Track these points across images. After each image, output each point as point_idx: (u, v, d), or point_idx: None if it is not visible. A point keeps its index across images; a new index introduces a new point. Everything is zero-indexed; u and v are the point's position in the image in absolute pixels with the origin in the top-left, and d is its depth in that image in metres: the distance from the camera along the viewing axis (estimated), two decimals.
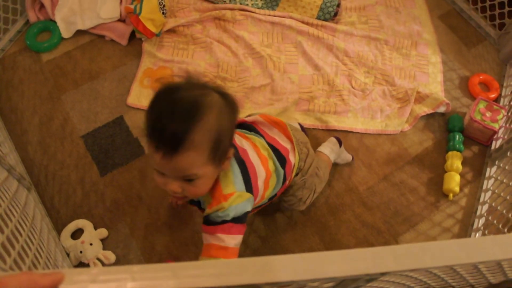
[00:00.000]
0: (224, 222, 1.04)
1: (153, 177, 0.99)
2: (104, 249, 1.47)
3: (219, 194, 1.03)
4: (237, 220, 1.05)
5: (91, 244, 1.45)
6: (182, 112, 0.88)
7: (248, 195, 1.08)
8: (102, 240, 1.49)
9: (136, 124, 1.72)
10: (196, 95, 0.91)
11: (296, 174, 1.32)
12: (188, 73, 1.00)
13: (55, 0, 1.88)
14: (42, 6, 1.92)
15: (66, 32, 1.90)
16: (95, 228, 1.50)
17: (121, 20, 1.94)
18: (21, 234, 1.11)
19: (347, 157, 1.65)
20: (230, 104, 0.96)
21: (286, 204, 1.39)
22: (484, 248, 0.51)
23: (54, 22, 1.90)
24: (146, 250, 1.48)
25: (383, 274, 0.49)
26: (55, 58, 1.87)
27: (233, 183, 1.05)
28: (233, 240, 1.04)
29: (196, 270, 0.47)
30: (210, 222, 1.04)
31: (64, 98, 1.77)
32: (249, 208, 1.09)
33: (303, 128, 1.67)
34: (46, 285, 0.49)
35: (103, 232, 1.49)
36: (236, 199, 1.04)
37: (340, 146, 1.61)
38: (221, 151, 0.96)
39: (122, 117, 1.73)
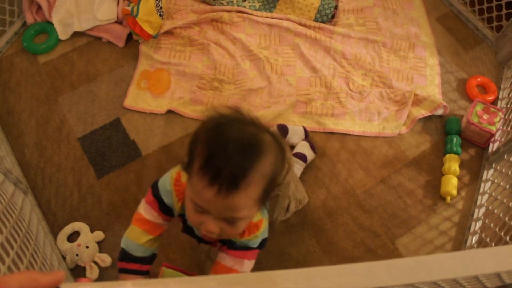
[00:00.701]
0: (251, 248, 1.04)
1: (188, 212, 0.93)
2: (100, 251, 1.47)
3: (251, 223, 1.01)
4: (261, 246, 1.06)
5: (87, 247, 1.44)
6: (244, 149, 0.83)
7: (267, 218, 1.08)
8: (99, 243, 1.48)
9: (133, 126, 1.71)
10: (253, 133, 0.87)
11: None
12: (237, 107, 0.94)
13: (52, 2, 1.87)
14: (39, 8, 1.91)
15: (63, 34, 1.90)
16: (92, 231, 1.50)
17: (118, 22, 1.93)
18: (16, 240, 1.11)
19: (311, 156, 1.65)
20: (280, 145, 0.92)
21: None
22: (481, 261, 0.51)
23: (51, 24, 1.89)
24: None
25: None
26: (52, 60, 1.86)
27: (261, 210, 1.04)
28: (252, 265, 1.05)
29: (190, 285, 0.47)
30: (237, 247, 1.02)
31: (61, 100, 1.77)
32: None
33: (306, 131, 1.67)
34: (47, 284, 0.49)
35: (99, 234, 1.49)
36: (264, 225, 1.04)
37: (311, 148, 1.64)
38: (270, 193, 0.92)
39: (119, 119, 1.73)
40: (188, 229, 1.12)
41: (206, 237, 0.95)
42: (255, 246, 1.04)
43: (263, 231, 1.04)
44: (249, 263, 1.04)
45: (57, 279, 0.49)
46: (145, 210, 1.08)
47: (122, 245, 1.06)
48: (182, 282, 0.47)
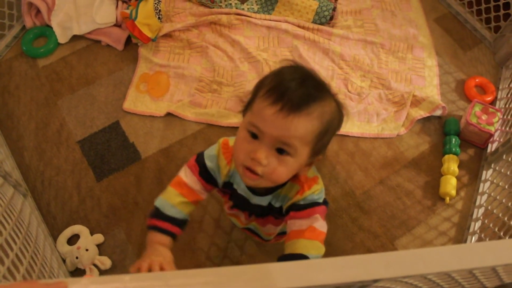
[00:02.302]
0: (319, 204, 1.02)
1: (238, 142, 0.93)
2: (100, 254, 1.47)
3: (306, 178, 1.02)
4: (326, 203, 1.05)
5: (87, 250, 1.44)
6: (312, 83, 0.89)
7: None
8: (98, 246, 1.48)
9: (132, 129, 1.71)
10: (322, 79, 0.93)
11: None
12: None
13: (51, 6, 1.88)
14: (38, 11, 1.92)
15: (62, 38, 1.90)
16: (91, 234, 1.50)
17: (117, 25, 1.94)
18: (15, 242, 1.11)
19: None
20: (340, 106, 0.95)
21: None
22: (477, 254, 0.51)
23: (50, 27, 1.90)
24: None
25: (375, 281, 0.49)
26: (51, 63, 1.87)
27: (313, 169, 1.05)
28: (325, 225, 1.03)
29: (187, 278, 0.47)
30: (303, 206, 1.01)
31: (60, 103, 1.77)
32: None
33: None
34: None
35: (99, 237, 1.49)
36: (321, 182, 1.05)
37: None
38: (323, 143, 0.94)
39: (118, 122, 1.73)
40: (235, 198, 1.11)
41: (250, 178, 0.92)
42: (321, 200, 1.03)
43: (322, 187, 1.04)
44: (322, 220, 1.02)
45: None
46: (185, 173, 1.07)
47: (156, 203, 1.05)
48: (180, 275, 0.47)
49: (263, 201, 1.07)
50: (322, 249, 1.02)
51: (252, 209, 1.12)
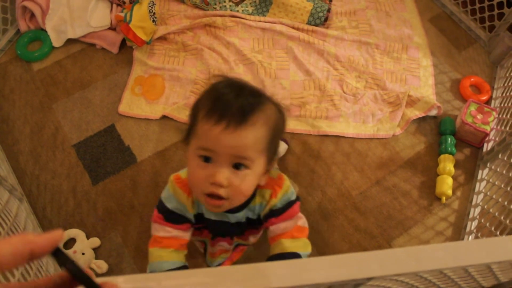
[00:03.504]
0: (293, 202, 1.03)
1: (192, 172, 0.91)
2: (96, 258, 1.47)
3: (273, 180, 1.02)
4: (298, 197, 1.06)
5: (83, 254, 1.44)
6: (248, 94, 0.89)
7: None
8: (95, 249, 1.48)
9: (128, 132, 1.71)
10: (254, 87, 0.93)
11: None
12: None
13: (46, 9, 1.87)
14: (32, 15, 1.91)
15: (56, 41, 1.90)
16: (88, 238, 1.49)
17: (112, 28, 1.93)
18: None
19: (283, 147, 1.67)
20: (279, 106, 0.95)
21: None
22: (470, 252, 0.51)
23: (45, 31, 1.89)
24: (139, 258, 1.47)
25: (369, 279, 0.49)
26: (46, 67, 1.87)
27: (273, 170, 1.04)
28: (304, 219, 1.05)
29: (180, 279, 0.47)
30: (280, 210, 1.02)
31: (55, 107, 1.77)
32: None
33: (285, 141, 1.66)
34: (43, 244, 0.45)
35: (95, 241, 1.49)
36: (286, 178, 1.05)
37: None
38: (274, 147, 0.94)
39: (114, 126, 1.73)
40: (213, 228, 1.09)
41: (215, 204, 0.90)
42: (294, 196, 1.03)
43: (289, 183, 1.04)
44: (303, 217, 1.04)
45: (54, 238, 0.46)
46: (155, 228, 1.05)
47: (148, 270, 1.04)
48: (173, 276, 0.47)
49: (240, 217, 1.05)
50: (309, 246, 1.04)
51: (233, 231, 1.10)
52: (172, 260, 1.02)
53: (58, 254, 0.46)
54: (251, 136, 0.86)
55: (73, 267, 0.46)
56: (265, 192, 1.02)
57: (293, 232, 1.03)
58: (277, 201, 1.01)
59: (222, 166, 0.87)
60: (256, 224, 1.08)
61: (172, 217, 1.03)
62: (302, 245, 1.03)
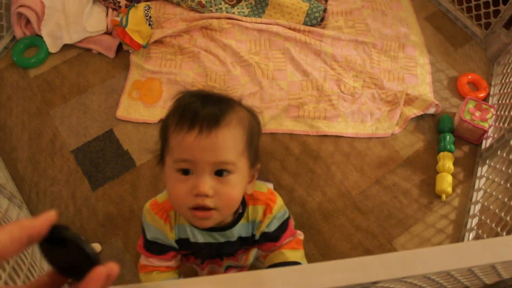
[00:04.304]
0: (286, 220, 1.01)
1: (173, 188, 0.85)
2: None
3: (263, 196, 0.98)
4: (289, 215, 1.04)
5: None
6: (216, 99, 0.86)
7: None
8: None
9: (126, 136, 1.71)
10: (222, 94, 0.90)
11: None
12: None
13: (41, 15, 1.87)
14: (28, 21, 1.91)
15: (53, 47, 1.90)
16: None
17: (108, 32, 1.93)
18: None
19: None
20: (252, 110, 0.93)
21: None
22: (475, 253, 0.51)
23: (41, 37, 1.89)
24: None
25: (374, 283, 0.49)
26: (42, 73, 1.86)
27: (259, 183, 1.01)
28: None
29: (184, 286, 0.46)
30: (280, 231, 0.99)
31: (53, 113, 1.76)
32: None
33: (268, 181, 1.63)
34: (39, 226, 0.45)
35: (96, 247, 1.48)
36: (276, 193, 1.02)
37: None
38: (254, 149, 0.90)
39: (112, 130, 1.72)
40: (201, 252, 1.03)
41: (202, 216, 0.84)
42: (287, 215, 1.01)
43: (279, 198, 1.01)
44: (298, 232, 1.02)
45: (48, 218, 0.46)
46: (141, 257, 1.04)
47: None
48: (172, 285, 0.46)
49: (230, 236, 0.99)
50: (304, 259, 1.02)
51: (223, 251, 1.04)
52: (161, 278, 1.01)
53: (56, 229, 0.46)
54: (228, 138, 0.82)
55: (74, 235, 0.46)
56: (258, 208, 0.98)
57: (293, 244, 1.02)
58: (272, 216, 0.97)
59: (203, 175, 0.82)
60: (249, 243, 1.03)
61: (153, 248, 1.00)
62: (301, 256, 1.02)
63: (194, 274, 1.33)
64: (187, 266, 1.26)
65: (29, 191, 1.61)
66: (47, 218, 0.46)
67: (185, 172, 0.83)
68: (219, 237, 0.98)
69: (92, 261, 0.46)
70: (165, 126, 0.88)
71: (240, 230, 0.99)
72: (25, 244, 0.44)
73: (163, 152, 0.90)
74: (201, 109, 0.82)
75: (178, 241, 0.99)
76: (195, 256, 1.06)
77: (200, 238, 0.98)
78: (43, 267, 1.29)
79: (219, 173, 0.83)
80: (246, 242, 1.02)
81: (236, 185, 0.85)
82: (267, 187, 1.02)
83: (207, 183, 0.81)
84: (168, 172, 0.86)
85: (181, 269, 1.10)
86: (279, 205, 0.99)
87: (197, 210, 0.83)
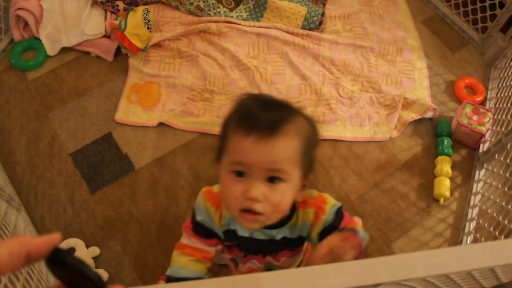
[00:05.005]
0: (340, 208, 1.01)
1: (226, 188, 0.88)
2: (96, 267, 1.46)
3: (313, 199, 0.99)
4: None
5: None
6: (277, 105, 0.88)
7: None
8: (94, 259, 1.47)
9: (125, 140, 1.71)
10: (284, 100, 0.91)
11: None
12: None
13: (39, 18, 1.87)
14: (26, 24, 1.91)
15: (51, 50, 1.90)
16: (87, 247, 1.49)
17: (106, 36, 1.93)
18: None
19: None
20: (311, 120, 0.92)
21: None
22: (476, 256, 0.51)
23: (39, 40, 1.89)
24: (139, 267, 1.47)
25: (376, 285, 0.49)
26: (41, 76, 1.86)
27: (311, 190, 1.02)
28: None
29: None
30: (336, 221, 0.98)
31: (51, 116, 1.76)
32: None
33: None
34: (39, 246, 0.45)
35: (95, 250, 1.48)
36: (328, 196, 1.02)
37: None
38: (309, 160, 0.90)
39: (111, 134, 1.72)
40: (246, 245, 1.05)
41: (251, 220, 0.87)
42: (338, 205, 1.01)
43: (329, 198, 1.01)
44: (356, 218, 1.01)
45: (52, 240, 0.46)
46: (182, 236, 1.05)
47: (167, 272, 1.02)
48: (174, 286, 0.47)
49: (274, 234, 1.01)
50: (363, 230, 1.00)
51: (266, 248, 1.06)
52: (190, 268, 1.01)
53: (57, 253, 0.45)
54: (284, 147, 0.83)
55: (75, 260, 0.45)
56: (308, 212, 0.99)
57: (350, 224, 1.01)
58: (325, 217, 0.98)
59: (256, 180, 0.84)
60: (294, 244, 1.05)
61: (199, 229, 1.02)
62: (359, 227, 1.00)
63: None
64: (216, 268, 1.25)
65: (27, 194, 1.60)
66: (50, 239, 0.46)
67: (239, 174, 0.85)
68: (263, 235, 1.01)
69: (96, 285, 0.46)
70: (225, 126, 0.90)
71: (285, 232, 1.01)
72: (24, 261, 0.44)
73: (221, 150, 0.91)
74: (262, 115, 0.83)
75: (226, 232, 1.02)
76: (239, 248, 1.07)
77: (246, 232, 1.01)
78: (42, 270, 1.29)
79: (271, 179, 0.85)
80: (291, 243, 1.04)
81: (286, 193, 0.87)
82: (316, 191, 1.03)
83: (259, 189, 0.84)
84: (223, 171, 0.89)
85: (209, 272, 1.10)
86: (331, 204, 1.00)
87: (246, 213, 0.86)
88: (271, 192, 0.85)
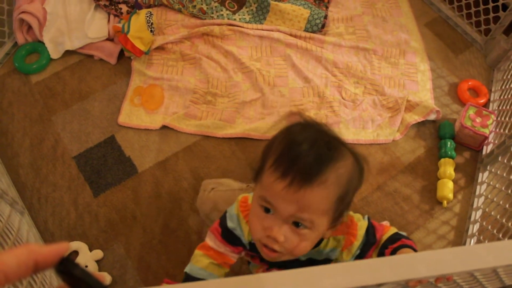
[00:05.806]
0: (370, 224, 1.01)
1: (253, 218, 0.88)
2: (99, 270, 1.46)
3: (343, 225, 0.95)
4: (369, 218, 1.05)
5: (86, 266, 1.43)
6: (321, 146, 0.81)
7: None
8: (98, 262, 1.47)
9: (128, 143, 1.71)
10: (332, 137, 0.86)
11: None
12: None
13: (43, 22, 1.88)
14: (29, 27, 1.92)
15: (54, 53, 1.90)
16: (90, 250, 1.49)
17: (109, 39, 1.94)
18: None
19: None
20: (359, 162, 0.88)
21: None
22: (479, 256, 0.51)
23: (42, 43, 1.90)
24: (142, 269, 1.47)
25: (379, 285, 0.49)
26: (44, 79, 1.87)
27: None
28: None
29: None
30: (370, 240, 1.00)
31: (54, 119, 1.77)
32: None
33: None
34: (48, 255, 0.45)
35: (98, 253, 1.48)
36: (353, 215, 1.02)
37: None
38: (344, 205, 0.87)
39: (114, 137, 1.73)
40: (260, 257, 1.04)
41: (268, 255, 0.87)
42: (367, 223, 1.00)
43: (361, 223, 1.01)
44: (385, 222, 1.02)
45: (60, 250, 0.46)
46: (209, 238, 1.05)
47: (185, 269, 1.03)
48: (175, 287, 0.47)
49: (301, 257, 1.00)
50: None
51: (290, 266, 1.05)
52: (209, 270, 1.02)
53: (64, 263, 0.46)
54: (315, 199, 0.80)
55: (83, 272, 0.46)
56: (338, 238, 0.98)
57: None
58: (358, 242, 0.98)
59: (281, 220, 0.83)
60: (319, 264, 1.04)
61: (228, 236, 1.02)
62: (394, 231, 1.02)
63: None
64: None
65: (30, 197, 1.61)
66: (58, 249, 0.46)
67: (267, 210, 0.85)
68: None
69: None
70: (268, 150, 0.88)
71: (311, 254, 1.01)
72: (31, 269, 0.44)
73: (258, 174, 0.89)
74: (303, 156, 0.80)
75: (252, 244, 1.01)
76: (264, 261, 1.07)
77: None
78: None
79: (297, 224, 0.83)
80: (316, 263, 1.02)
81: (308, 239, 0.86)
82: (348, 215, 1.00)
83: (281, 230, 0.83)
84: (254, 199, 0.89)
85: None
86: (362, 230, 0.99)
87: (265, 247, 0.86)
88: (293, 235, 0.84)
